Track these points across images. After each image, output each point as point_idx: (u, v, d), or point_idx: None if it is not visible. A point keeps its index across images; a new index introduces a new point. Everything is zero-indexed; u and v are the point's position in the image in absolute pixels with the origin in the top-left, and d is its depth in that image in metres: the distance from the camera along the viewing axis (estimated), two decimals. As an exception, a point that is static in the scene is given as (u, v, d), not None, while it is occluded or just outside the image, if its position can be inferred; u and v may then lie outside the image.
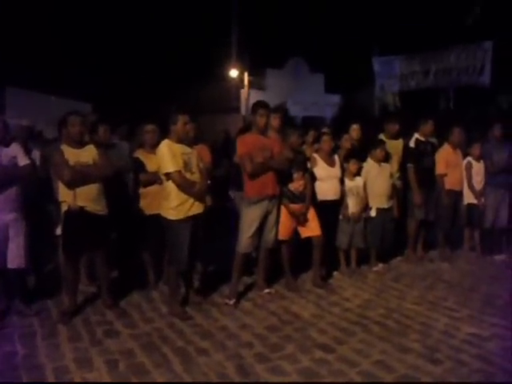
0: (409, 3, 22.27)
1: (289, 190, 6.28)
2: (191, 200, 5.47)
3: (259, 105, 5.99)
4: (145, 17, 24.10)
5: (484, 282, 6.86)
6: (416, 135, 7.66)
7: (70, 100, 13.51)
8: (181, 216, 5.42)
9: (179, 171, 5.37)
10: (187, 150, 5.57)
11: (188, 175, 5.46)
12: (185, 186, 5.40)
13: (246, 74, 26.35)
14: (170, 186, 5.42)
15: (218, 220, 7.05)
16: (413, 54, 15.99)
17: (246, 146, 5.85)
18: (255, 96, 24.16)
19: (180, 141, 5.51)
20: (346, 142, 7.44)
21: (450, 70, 14.90)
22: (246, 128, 6.73)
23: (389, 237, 7.30)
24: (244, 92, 25.85)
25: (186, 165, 5.47)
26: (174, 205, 5.42)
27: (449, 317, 5.60)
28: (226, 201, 7.51)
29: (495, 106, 18.40)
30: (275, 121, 6.56)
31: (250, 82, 26.09)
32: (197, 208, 5.54)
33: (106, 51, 22.10)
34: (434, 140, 7.87)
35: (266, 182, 5.90)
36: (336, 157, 6.92)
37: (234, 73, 26.74)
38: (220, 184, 7.11)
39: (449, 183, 7.67)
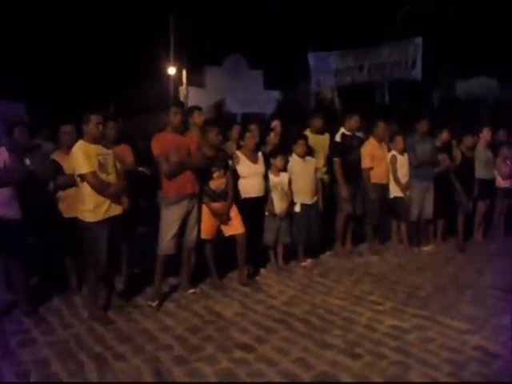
0: (343, 1, 22.55)
1: (210, 189, 6.18)
2: (107, 202, 5.33)
3: (173, 103, 5.89)
4: (80, 14, 23.58)
5: (410, 273, 6.95)
6: (342, 129, 7.68)
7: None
8: (97, 218, 5.26)
9: (93, 172, 5.21)
10: (103, 150, 5.42)
11: (104, 176, 5.31)
12: (99, 188, 5.25)
13: (184, 72, 26.13)
14: (86, 187, 5.25)
15: (146, 219, 6.95)
16: (347, 49, 16.13)
17: (161, 145, 5.73)
18: (194, 94, 24.08)
19: (95, 141, 5.35)
20: (273, 138, 7.40)
21: (384, 65, 15.08)
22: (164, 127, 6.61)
23: (315, 232, 7.30)
24: (183, 89, 25.64)
25: (102, 166, 5.32)
26: (90, 207, 5.25)
27: (372, 310, 5.63)
28: (155, 200, 7.34)
29: (428, 101, 18.81)
30: (199, 118, 6.46)
31: (188, 79, 25.89)
32: (114, 210, 5.40)
33: (42, 49, 21.52)
34: (360, 134, 7.92)
35: (185, 182, 5.80)
36: (260, 153, 6.85)
37: (171, 70, 26.49)
38: (149, 183, 6.97)
39: (375, 177, 7.72)
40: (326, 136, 7.78)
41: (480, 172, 8.34)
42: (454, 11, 19.87)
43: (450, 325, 5.17)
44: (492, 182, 8.48)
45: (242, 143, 6.87)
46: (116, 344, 4.91)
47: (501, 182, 8.56)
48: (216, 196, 6.24)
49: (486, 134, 8.46)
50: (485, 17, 20.87)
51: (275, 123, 7.63)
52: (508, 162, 8.52)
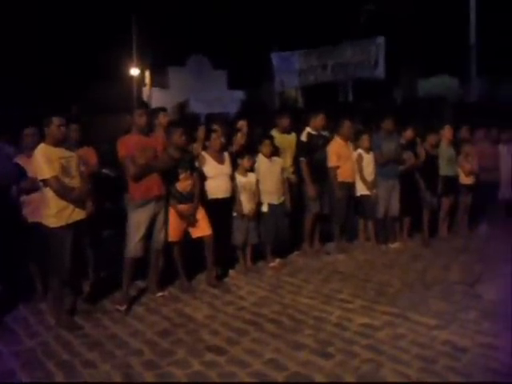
0: (306, 0, 22.65)
1: (176, 190, 6.12)
2: (71, 206, 5.23)
3: (138, 105, 5.82)
4: (40, 14, 23.14)
5: (378, 271, 7.00)
6: (308, 129, 7.70)
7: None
8: (61, 223, 5.16)
9: (55, 177, 5.10)
10: (66, 153, 5.31)
11: (67, 180, 5.21)
12: (62, 193, 5.14)
13: (147, 73, 25.95)
14: (49, 192, 5.14)
15: (112, 223, 6.84)
16: (310, 49, 16.23)
17: (127, 147, 5.64)
18: (158, 94, 23.93)
19: (57, 144, 5.24)
20: (240, 138, 7.37)
21: (347, 65, 15.25)
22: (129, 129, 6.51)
23: (283, 232, 7.30)
24: (146, 90, 25.45)
25: (65, 169, 5.21)
26: (53, 212, 5.14)
27: (342, 309, 5.64)
28: (121, 202, 7.23)
29: (391, 100, 19.01)
30: (164, 119, 6.39)
31: (151, 80, 25.72)
32: (78, 214, 5.31)
33: (2, 50, 21.05)
34: (325, 133, 7.94)
35: (151, 183, 5.73)
36: (226, 154, 6.82)
37: (135, 71, 26.26)
38: (114, 186, 6.86)
39: (341, 175, 7.74)
40: (293, 135, 7.78)
41: (443, 169, 8.45)
42: (416, 11, 20.15)
43: (420, 321, 5.22)
44: (455, 178, 8.61)
45: (207, 144, 6.82)
46: (84, 351, 4.82)
47: (464, 179, 8.70)
48: (182, 198, 6.18)
49: (447, 132, 8.57)
50: (446, 17, 21.20)
51: (241, 123, 7.60)
52: (470, 158, 8.66)
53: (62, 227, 5.16)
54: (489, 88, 24.67)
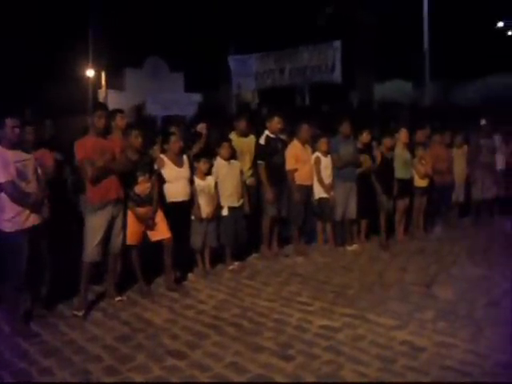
0: (263, 3, 22.72)
1: (134, 193, 6.06)
2: (27, 211, 5.11)
3: (97, 106, 5.73)
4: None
5: (337, 273, 7.05)
6: (266, 132, 7.72)
7: None
8: (16, 228, 5.04)
9: (11, 182, 4.99)
10: (22, 156, 5.20)
11: (23, 185, 5.11)
12: (18, 198, 5.04)
13: (103, 74, 25.62)
14: (4, 196, 5.01)
15: (70, 227, 6.69)
16: (267, 52, 16.29)
17: (85, 149, 5.56)
18: (114, 96, 23.63)
19: (13, 146, 5.12)
20: (199, 141, 7.35)
21: (304, 68, 15.35)
22: (86, 131, 6.42)
23: (242, 234, 7.30)
24: (102, 92, 25.12)
25: (21, 173, 5.11)
26: (8, 216, 5.04)
27: (302, 311, 5.67)
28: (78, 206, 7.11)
29: (347, 103, 19.20)
30: (121, 121, 6.32)
31: (107, 81, 25.40)
32: (34, 219, 5.19)
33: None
34: (284, 137, 7.98)
35: (109, 186, 5.66)
36: (185, 157, 6.78)
37: (90, 72, 25.89)
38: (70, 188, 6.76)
39: (299, 178, 7.78)
40: (251, 138, 7.80)
41: (399, 172, 8.57)
42: (372, 16, 20.44)
43: (378, 322, 5.29)
44: (410, 181, 8.74)
45: (166, 147, 6.77)
46: (41, 358, 4.70)
47: (418, 182, 8.84)
48: (141, 201, 6.12)
49: (402, 136, 8.70)
50: (400, 22, 21.58)
51: (201, 126, 7.57)
52: (423, 161, 8.82)
53: (17, 232, 5.05)
54: (441, 92, 25.23)
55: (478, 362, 4.43)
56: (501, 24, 36.48)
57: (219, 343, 4.92)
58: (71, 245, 6.25)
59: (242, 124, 7.72)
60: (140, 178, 6.07)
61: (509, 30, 36.74)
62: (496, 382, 4.18)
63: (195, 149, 7.29)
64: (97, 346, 4.91)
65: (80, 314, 5.60)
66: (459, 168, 9.56)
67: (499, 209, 10.51)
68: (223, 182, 7.10)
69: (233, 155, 7.29)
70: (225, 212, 7.11)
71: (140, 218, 6.12)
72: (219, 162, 7.16)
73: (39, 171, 5.42)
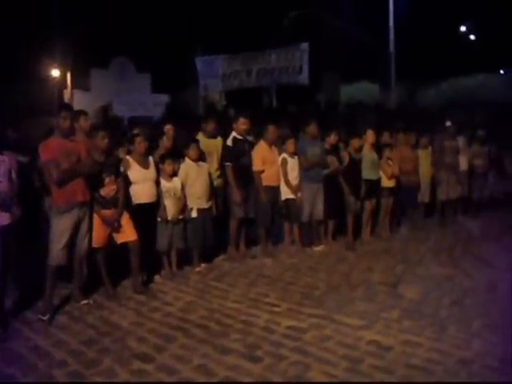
0: (230, 5, 22.73)
1: (100, 196, 5.99)
2: None
3: (61, 107, 5.64)
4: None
5: (304, 274, 7.07)
6: (233, 134, 7.71)
7: None
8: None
9: None
10: None
11: None
12: None
13: (68, 74, 25.30)
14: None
15: (35, 230, 6.57)
16: (235, 53, 16.29)
17: (50, 151, 5.45)
18: (79, 97, 23.34)
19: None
20: (166, 142, 7.31)
21: (272, 70, 15.37)
22: (50, 132, 6.31)
23: (210, 236, 7.27)
24: (67, 92, 24.80)
25: None
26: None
27: (269, 312, 5.66)
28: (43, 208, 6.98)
29: (314, 105, 19.32)
30: (85, 123, 6.24)
31: (73, 82, 25.10)
32: (3, 219, 5.10)
33: None
34: (251, 138, 7.98)
35: (75, 189, 5.56)
36: (150, 158, 6.73)
37: (55, 72, 25.52)
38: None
39: (266, 179, 7.79)
40: (219, 140, 7.79)
41: (366, 173, 8.65)
42: (338, 18, 20.63)
43: (345, 322, 5.31)
44: (378, 182, 8.82)
45: (131, 148, 6.71)
46: (4, 365, 4.58)
47: (385, 182, 8.93)
48: (106, 203, 6.05)
49: (369, 137, 8.79)
50: (367, 25, 21.83)
51: (168, 127, 7.53)
52: (390, 162, 8.92)
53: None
54: (407, 94, 25.59)
55: (442, 359, 4.50)
56: (463, 28, 37.22)
57: (186, 346, 4.89)
58: (36, 248, 6.16)
59: (209, 125, 7.69)
60: (106, 180, 6.01)
61: (471, 34, 37.52)
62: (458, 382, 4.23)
63: (162, 150, 7.23)
64: (62, 351, 4.82)
65: (45, 318, 5.49)
66: (424, 169, 9.68)
67: (463, 209, 10.71)
68: (192, 184, 7.07)
69: (201, 156, 7.26)
70: (194, 214, 7.07)
71: (106, 221, 6.05)
72: (188, 164, 7.12)
73: (13, 173, 5.33)
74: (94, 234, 5.95)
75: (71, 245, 5.71)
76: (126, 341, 5.00)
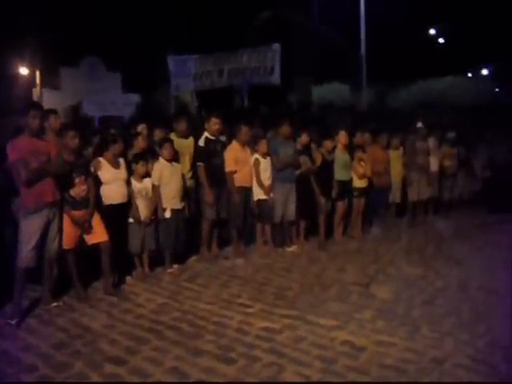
0: (202, 5, 22.67)
1: (70, 196, 5.89)
2: None
3: (31, 106, 5.53)
4: None
5: (276, 274, 7.06)
6: (206, 134, 7.66)
7: None
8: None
9: None
10: None
11: None
12: None
13: (37, 73, 24.95)
14: None
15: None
16: (206, 53, 16.23)
17: (19, 150, 5.33)
18: (49, 96, 22.99)
19: None
20: (140, 142, 7.24)
21: (243, 70, 15.33)
22: (19, 131, 6.19)
23: (182, 237, 7.22)
24: (36, 91, 24.43)
25: None
26: None
27: (242, 313, 5.63)
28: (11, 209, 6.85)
29: (286, 105, 19.37)
30: (55, 122, 6.14)
31: (42, 80, 24.76)
32: None
33: None
34: (223, 138, 7.94)
35: (45, 189, 5.46)
36: (121, 158, 6.65)
37: (24, 71, 25.14)
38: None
39: (238, 180, 7.76)
40: (191, 140, 7.73)
41: (338, 174, 8.67)
42: (310, 19, 20.73)
43: (319, 322, 5.32)
44: (350, 182, 8.86)
45: (106, 148, 6.61)
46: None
47: (357, 183, 8.98)
48: (77, 203, 5.96)
49: (342, 138, 8.81)
50: (338, 26, 21.98)
51: (142, 127, 7.46)
52: (362, 163, 8.97)
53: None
54: (378, 96, 25.82)
55: (415, 359, 4.53)
56: (433, 31, 37.77)
57: (159, 348, 4.83)
58: (3, 250, 6.05)
59: (182, 125, 7.64)
60: (76, 180, 5.91)
61: (440, 37, 38.10)
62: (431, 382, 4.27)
63: (136, 149, 7.16)
64: (31, 355, 4.72)
65: (13, 322, 5.37)
66: (396, 169, 9.76)
67: (433, 209, 10.85)
68: (167, 184, 7.00)
69: (175, 156, 7.20)
70: (168, 214, 7.01)
71: (76, 222, 5.96)
72: (162, 163, 7.05)
73: None
74: (64, 235, 5.85)
75: (41, 246, 5.61)
76: (98, 344, 4.93)
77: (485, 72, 40.14)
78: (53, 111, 6.49)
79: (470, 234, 9.30)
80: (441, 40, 38.52)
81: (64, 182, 5.77)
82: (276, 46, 14.57)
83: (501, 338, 4.92)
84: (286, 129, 8.22)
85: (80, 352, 4.77)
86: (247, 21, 21.41)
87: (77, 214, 5.96)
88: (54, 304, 5.86)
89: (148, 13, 23.50)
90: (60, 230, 5.77)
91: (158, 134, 7.70)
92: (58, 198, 5.68)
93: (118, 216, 6.50)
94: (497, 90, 32.73)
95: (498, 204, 11.15)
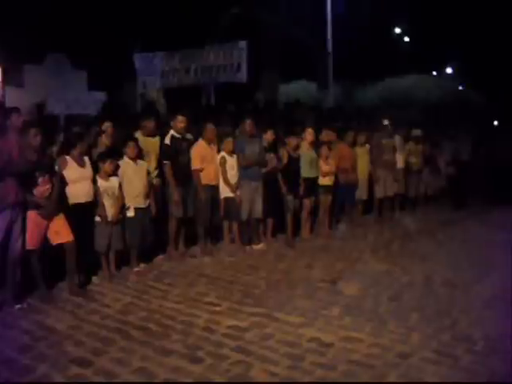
0: (169, 2, 22.51)
1: (34, 196, 5.78)
2: None
3: None
4: None
5: (244, 272, 7.07)
6: (172, 132, 7.61)
7: None
8: None
9: None
10: None
11: None
12: None
13: (0, 70, 24.41)
14: None
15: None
16: (173, 51, 16.13)
17: None
18: (12, 93, 22.58)
19: None
20: (105, 140, 7.15)
21: (210, 68, 15.30)
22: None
23: (149, 236, 7.17)
24: (-2, 89, 23.92)
25: None
26: None
27: (209, 312, 5.61)
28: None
29: (253, 103, 19.36)
30: (17, 120, 6.02)
31: (4, 78, 24.27)
32: None
33: None
34: (189, 136, 7.90)
35: (7, 189, 5.38)
36: (86, 157, 6.56)
37: (-15, 68, 24.54)
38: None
39: (205, 178, 7.74)
40: (157, 139, 7.68)
41: (305, 171, 8.70)
42: (277, 17, 20.75)
43: (286, 320, 5.33)
44: (316, 180, 8.90)
45: (72, 147, 6.50)
46: None
47: (323, 180, 9.02)
48: (40, 203, 5.84)
49: (308, 135, 8.85)
50: (305, 24, 22.03)
51: (107, 125, 7.37)
52: (329, 160, 9.01)
53: None
54: (344, 93, 26.02)
55: (382, 354, 4.58)
56: (398, 30, 38.24)
57: (126, 348, 4.78)
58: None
59: (149, 123, 7.58)
60: (39, 180, 5.79)
61: (405, 35, 38.58)
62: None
63: (101, 148, 7.07)
64: (-7, 360, 4.63)
65: (-25, 325, 5.28)
66: (362, 166, 9.85)
67: (400, 205, 10.98)
68: (130, 182, 6.94)
69: (139, 155, 7.13)
70: (131, 213, 6.95)
71: (39, 222, 5.85)
72: (126, 162, 6.98)
73: None
74: (28, 235, 5.75)
75: (4, 247, 5.50)
76: (63, 345, 4.84)
77: (449, 70, 40.83)
78: (15, 109, 6.36)
79: (434, 231, 9.44)
80: (406, 39, 38.98)
81: (27, 182, 5.66)
82: (242, 44, 14.57)
83: (464, 332, 5.02)
84: (248, 125, 8.20)
85: (44, 354, 4.68)
86: (214, 18, 21.33)
87: (40, 213, 5.85)
88: (18, 306, 5.74)
89: (114, 9, 23.22)
90: (23, 230, 5.68)
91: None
92: (21, 198, 5.58)
93: (83, 215, 6.41)
94: (460, 88, 33.36)
95: (462, 201, 11.36)
